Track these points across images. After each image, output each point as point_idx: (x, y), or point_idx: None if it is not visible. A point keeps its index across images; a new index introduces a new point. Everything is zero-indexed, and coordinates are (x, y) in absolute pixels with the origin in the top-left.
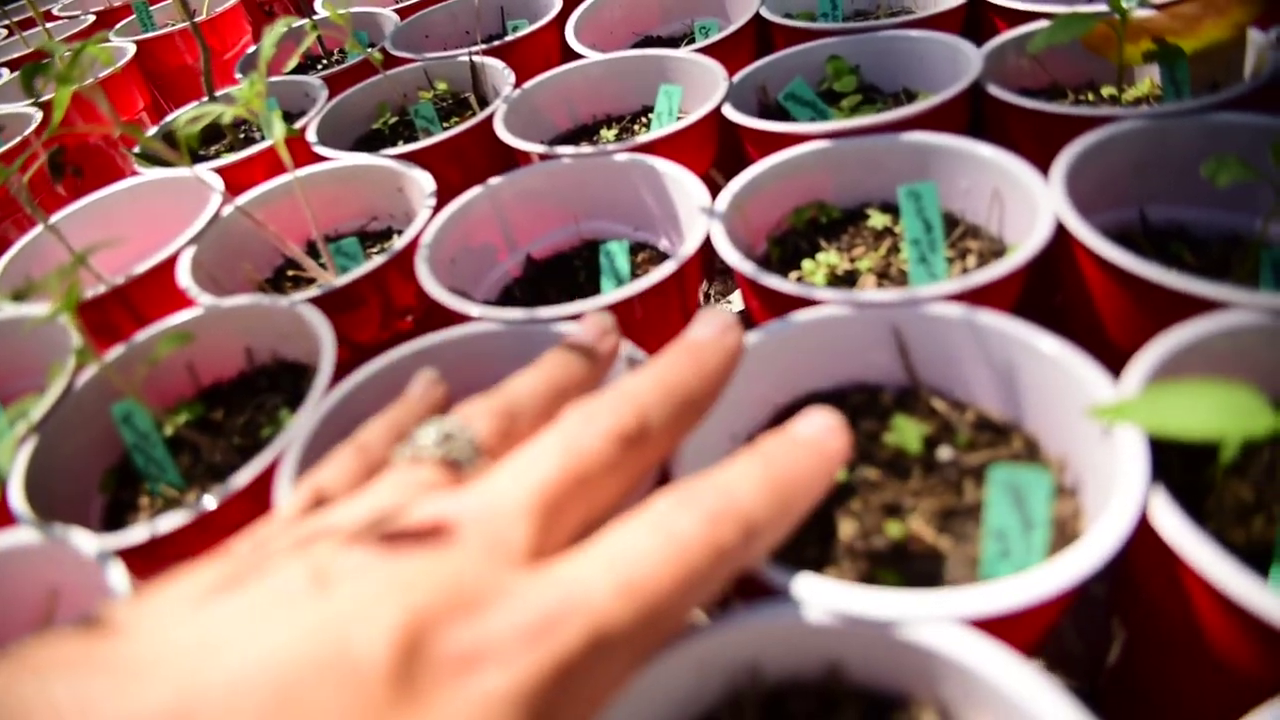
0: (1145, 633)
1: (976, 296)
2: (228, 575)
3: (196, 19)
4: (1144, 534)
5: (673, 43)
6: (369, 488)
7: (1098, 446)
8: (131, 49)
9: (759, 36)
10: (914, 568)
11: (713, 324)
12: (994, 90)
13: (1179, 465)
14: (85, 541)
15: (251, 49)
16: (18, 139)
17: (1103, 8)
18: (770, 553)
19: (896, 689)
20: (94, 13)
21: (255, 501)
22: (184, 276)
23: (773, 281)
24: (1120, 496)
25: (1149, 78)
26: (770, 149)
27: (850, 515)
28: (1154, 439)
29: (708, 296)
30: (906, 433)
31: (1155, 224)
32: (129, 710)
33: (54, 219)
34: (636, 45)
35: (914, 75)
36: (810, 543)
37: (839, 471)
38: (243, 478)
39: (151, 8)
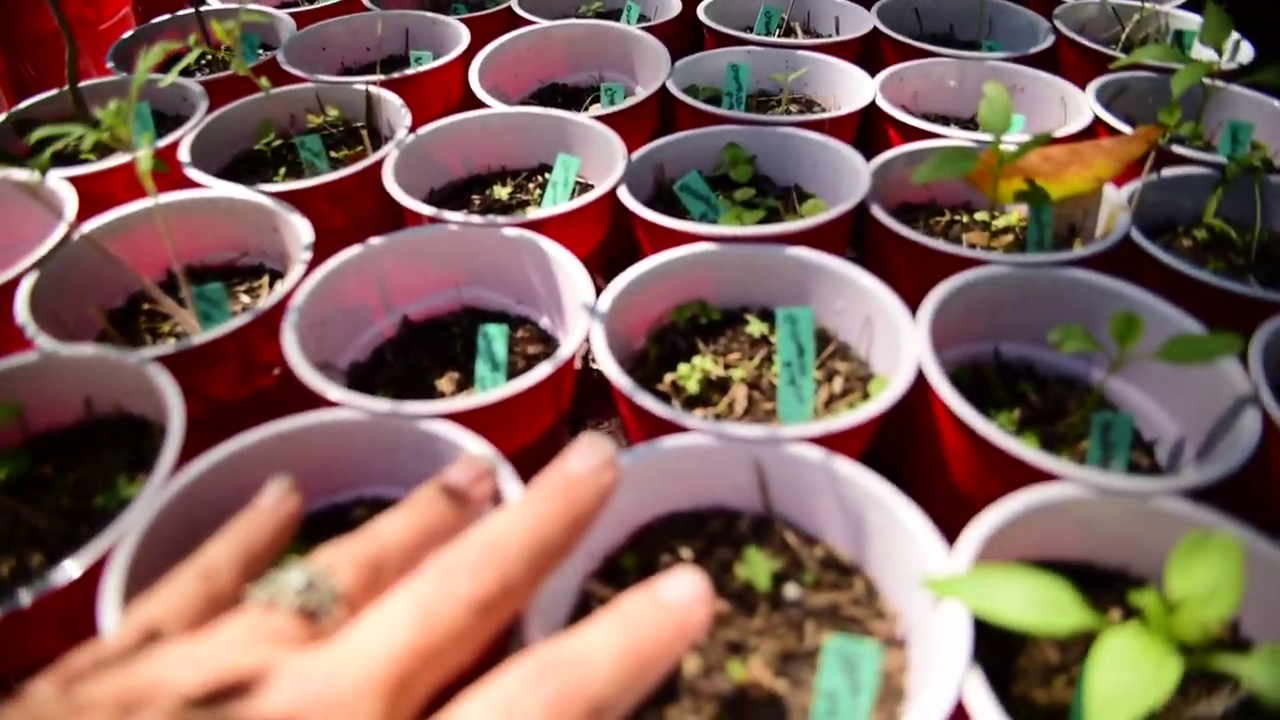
0: None
1: (836, 440)
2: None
3: None
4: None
5: (579, 93)
6: (214, 629)
7: (929, 608)
8: None
9: (662, 108)
10: (753, 715)
11: (591, 459)
12: (877, 213)
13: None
14: None
15: (128, 33)
16: None
17: (986, 136)
18: None
19: None
20: None
21: (76, 597)
22: (22, 311)
23: (647, 402)
24: (941, 679)
25: (1018, 211)
26: (659, 240)
27: (696, 650)
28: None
29: (587, 362)
30: (757, 568)
31: (1008, 360)
32: None
33: None
34: (541, 92)
35: (806, 174)
36: None
37: (696, 639)
38: (65, 573)
39: None
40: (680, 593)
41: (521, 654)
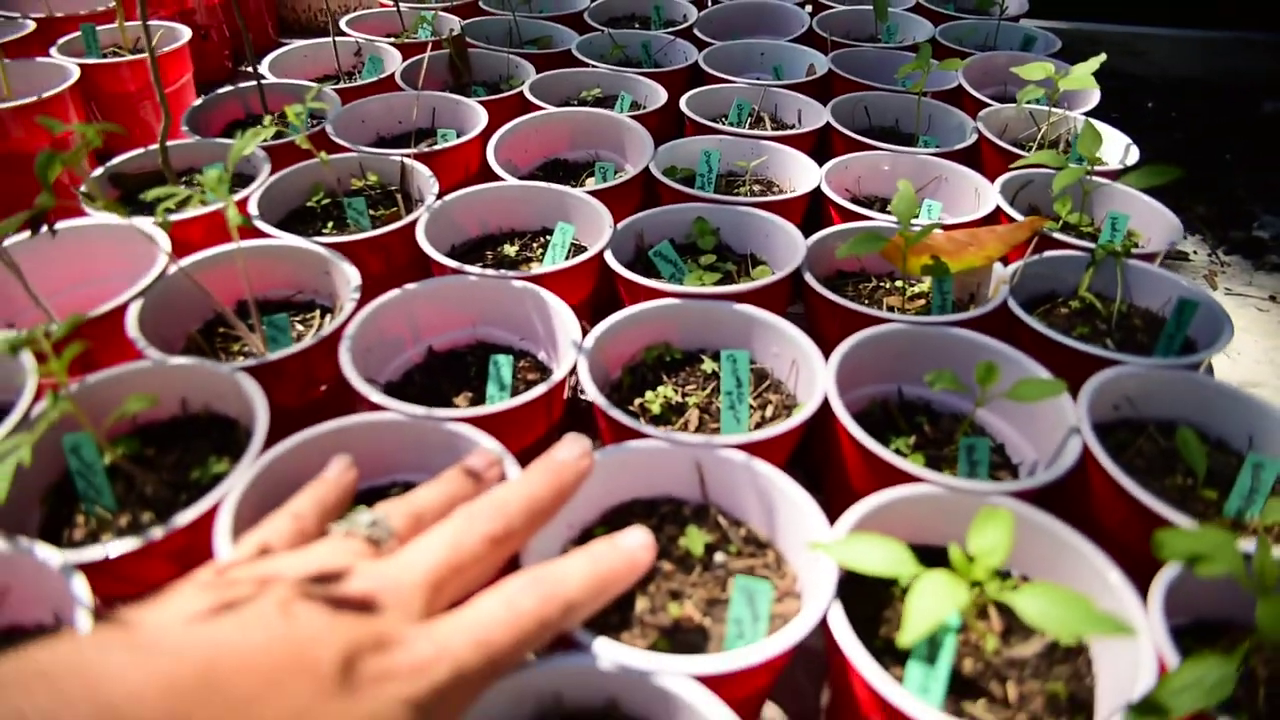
0: (834, 684)
1: (759, 446)
2: (214, 600)
3: (138, 56)
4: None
5: (578, 167)
6: (312, 546)
7: (815, 567)
8: (76, 72)
9: (646, 185)
10: (683, 639)
11: (573, 450)
12: (808, 279)
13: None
14: (51, 555)
15: (198, 102)
16: None
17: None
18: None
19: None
20: (33, 19)
21: (193, 536)
22: (133, 328)
23: (617, 415)
24: (814, 605)
25: (929, 281)
26: (636, 295)
27: (646, 595)
28: (852, 570)
29: (577, 391)
30: (694, 540)
31: (909, 398)
32: (158, 674)
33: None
34: (546, 165)
35: (759, 245)
36: (614, 612)
37: (643, 573)
38: (186, 516)
39: (97, 27)
40: (632, 541)
41: (519, 572)
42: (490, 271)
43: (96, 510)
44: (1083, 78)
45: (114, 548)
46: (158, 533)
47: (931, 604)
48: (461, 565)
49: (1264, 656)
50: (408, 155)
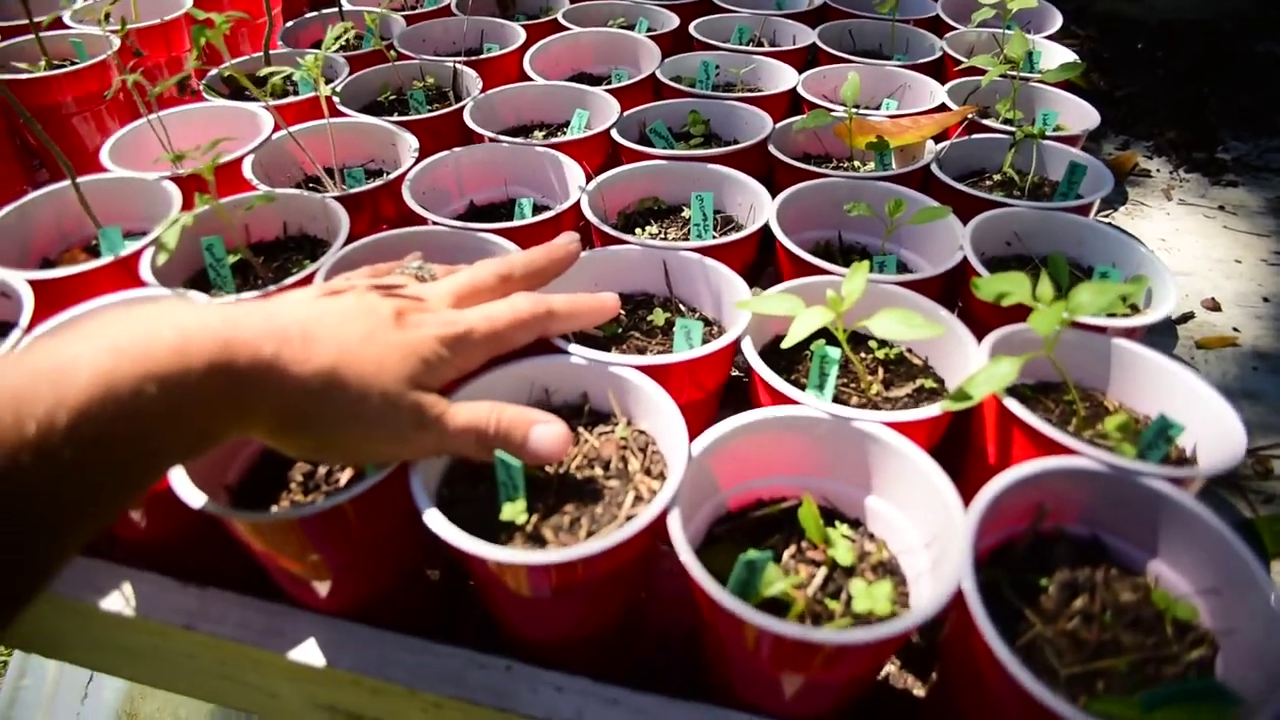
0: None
1: (715, 250)
2: (324, 290)
3: None
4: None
5: (598, 79)
6: (388, 274)
7: (742, 323)
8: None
9: (653, 87)
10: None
11: (564, 237)
12: (771, 149)
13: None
14: (201, 298)
15: (290, 22)
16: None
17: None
18: (567, 336)
19: (609, 408)
20: None
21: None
22: (249, 171)
23: (605, 228)
24: (733, 332)
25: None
26: (634, 159)
27: (619, 349)
28: (759, 313)
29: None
30: (658, 316)
31: (848, 241)
32: (301, 308)
33: (153, 116)
34: (574, 77)
35: (742, 131)
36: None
37: (611, 315)
38: (290, 280)
39: None
40: (605, 295)
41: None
42: (519, 140)
43: (222, 295)
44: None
45: (245, 295)
46: (271, 289)
47: (806, 320)
48: (476, 288)
49: (1082, 399)
50: (459, 61)
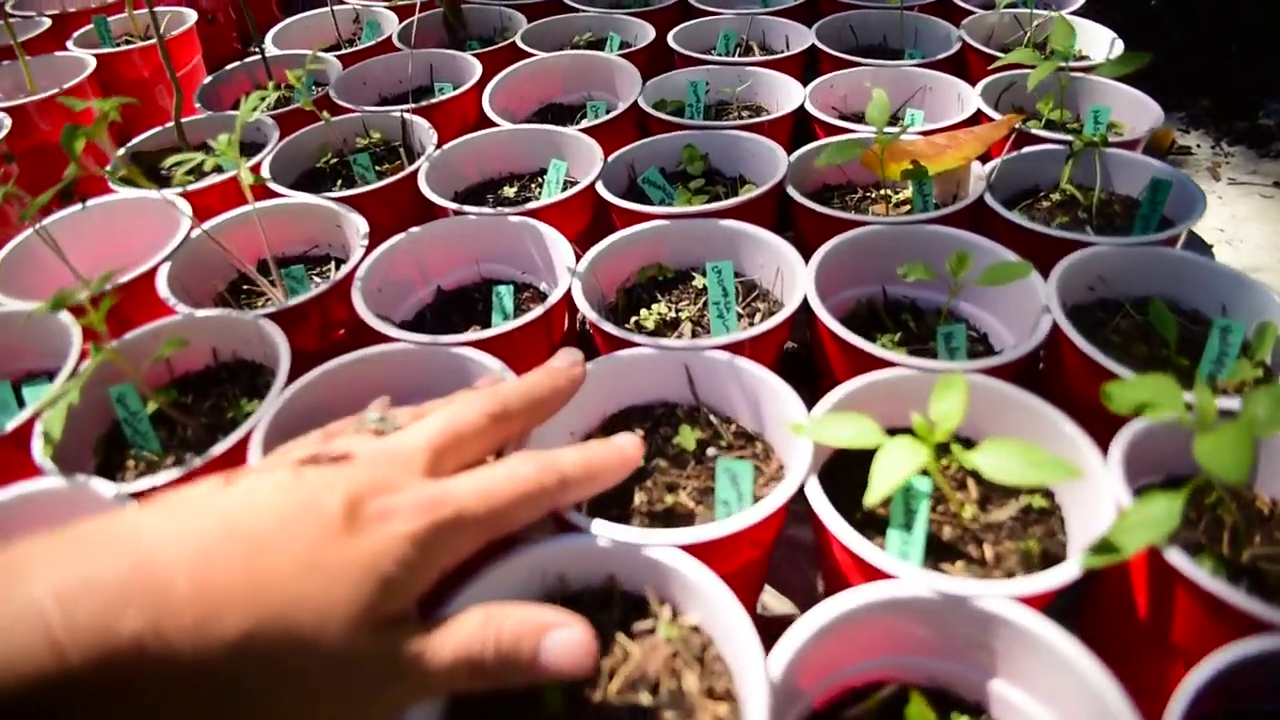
0: (822, 560)
1: (742, 346)
2: (234, 477)
3: (148, 42)
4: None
5: (572, 110)
6: (348, 436)
7: (797, 451)
8: (91, 62)
9: (637, 119)
10: (677, 524)
11: (566, 358)
12: (791, 191)
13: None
14: (105, 487)
15: (208, 79)
16: None
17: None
18: (580, 505)
19: (643, 590)
20: (49, 16)
21: (228, 463)
22: (163, 288)
23: (607, 327)
24: (792, 476)
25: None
26: (628, 220)
27: (643, 490)
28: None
29: (582, 322)
30: (686, 437)
31: (894, 297)
32: (186, 527)
33: (41, 224)
34: (542, 110)
35: (748, 166)
36: (613, 506)
37: (634, 468)
38: (221, 447)
39: (109, 18)
40: (622, 440)
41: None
42: (488, 210)
43: (144, 454)
44: None
45: (160, 478)
46: (196, 463)
47: (893, 465)
48: (460, 435)
49: (1232, 500)
50: (406, 111)
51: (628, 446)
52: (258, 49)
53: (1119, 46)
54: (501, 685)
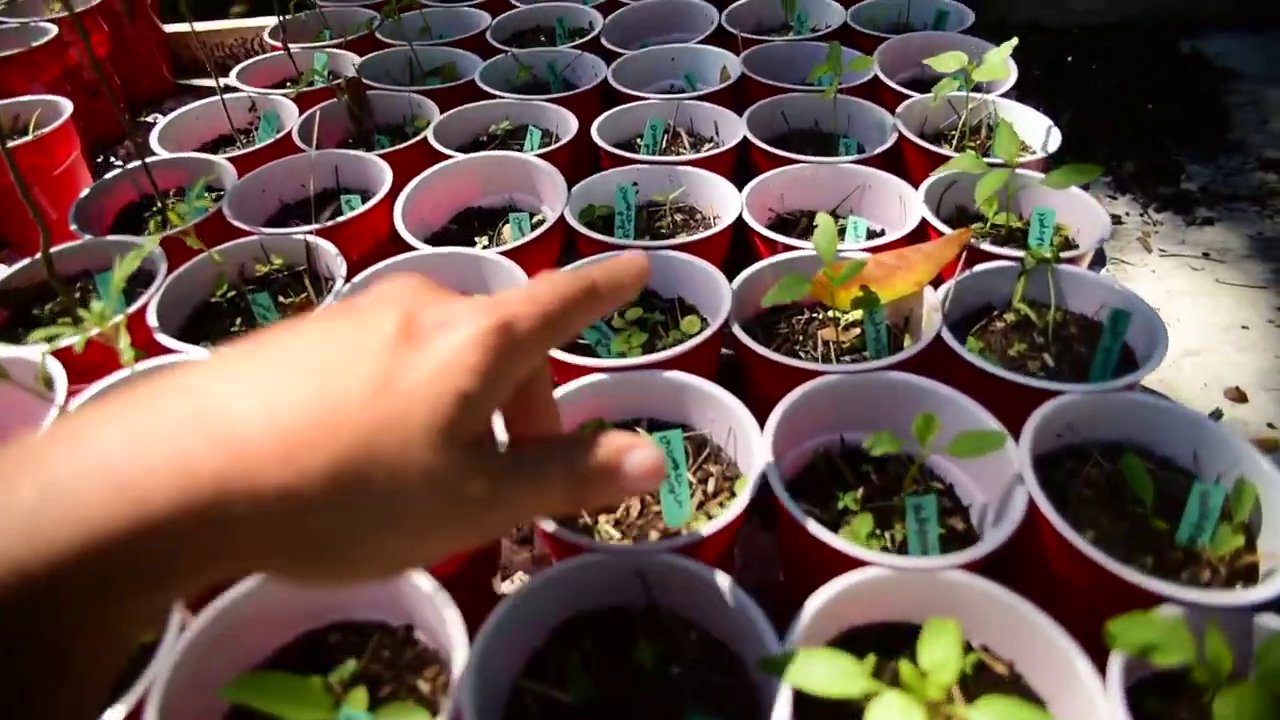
0: None
1: (699, 547)
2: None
3: (16, 142)
4: None
5: (493, 214)
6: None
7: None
8: None
9: (564, 234)
10: None
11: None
12: (737, 332)
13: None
14: None
15: (85, 192)
16: None
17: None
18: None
19: None
20: None
21: None
22: None
23: (548, 527)
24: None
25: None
26: (564, 373)
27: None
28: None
29: None
30: (644, 652)
31: (853, 444)
32: (250, 367)
33: None
34: (460, 216)
35: (687, 289)
36: None
37: (646, 273)
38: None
39: None
40: (629, 254)
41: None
42: None
43: None
44: (996, 67)
45: None
46: None
47: None
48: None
49: None
50: (309, 233)
51: (635, 255)
52: (139, 156)
53: (1055, 136)
54: (586, 506)
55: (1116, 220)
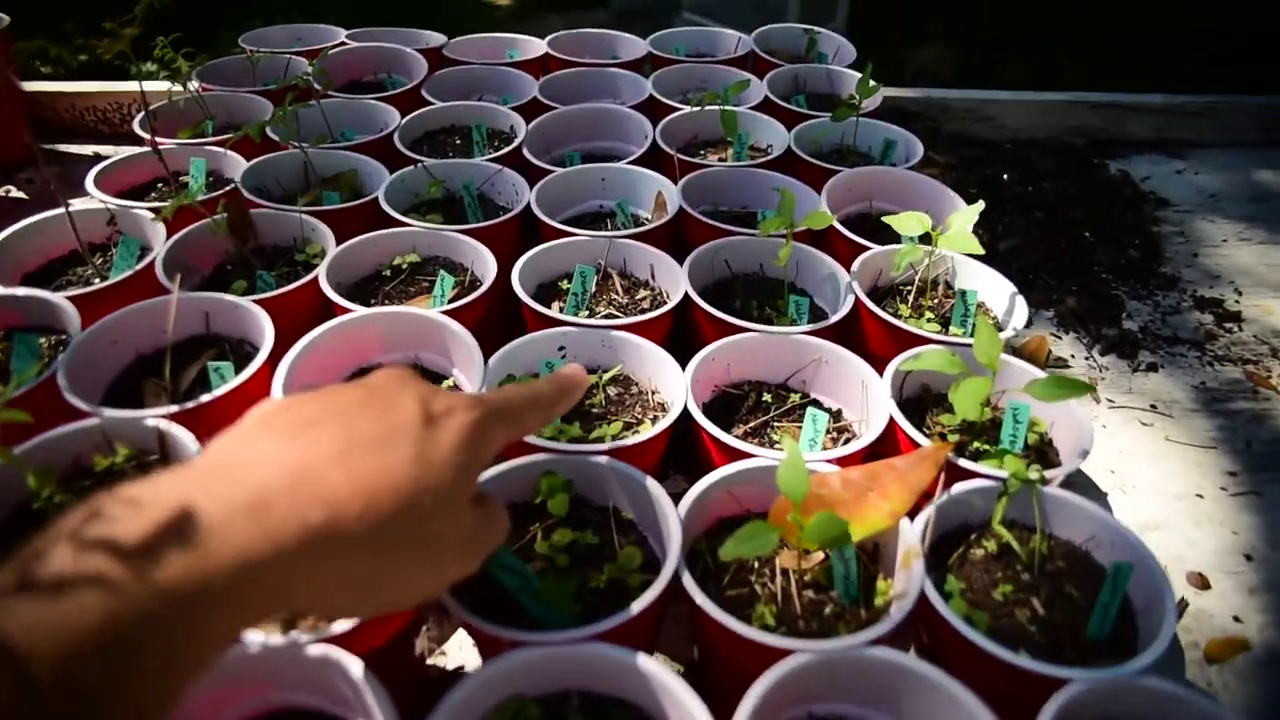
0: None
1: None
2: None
3: None
4: None
5: None
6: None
7: None
8: None
9: None
10: None
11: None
12: (687, 583)
13: None
14: None
15: None
16: None
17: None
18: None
19: None
20: None
21: None
22: None
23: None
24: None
25: None
26: (484, 644)
27: None
28: None
29: None
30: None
31: (823, 715)
32: (323, 441)
33: None
34: (354, 376)
35: (623, 502)
36: None
37: (587, 381)
38: None
39: None
40: (570, 367)
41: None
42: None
43: None
44: (961, 237)
45: None
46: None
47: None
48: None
49: None
50: (162, 417)
51: (575, 369)
52: None
53: (1021, 305)
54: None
55: (1062, 363)
